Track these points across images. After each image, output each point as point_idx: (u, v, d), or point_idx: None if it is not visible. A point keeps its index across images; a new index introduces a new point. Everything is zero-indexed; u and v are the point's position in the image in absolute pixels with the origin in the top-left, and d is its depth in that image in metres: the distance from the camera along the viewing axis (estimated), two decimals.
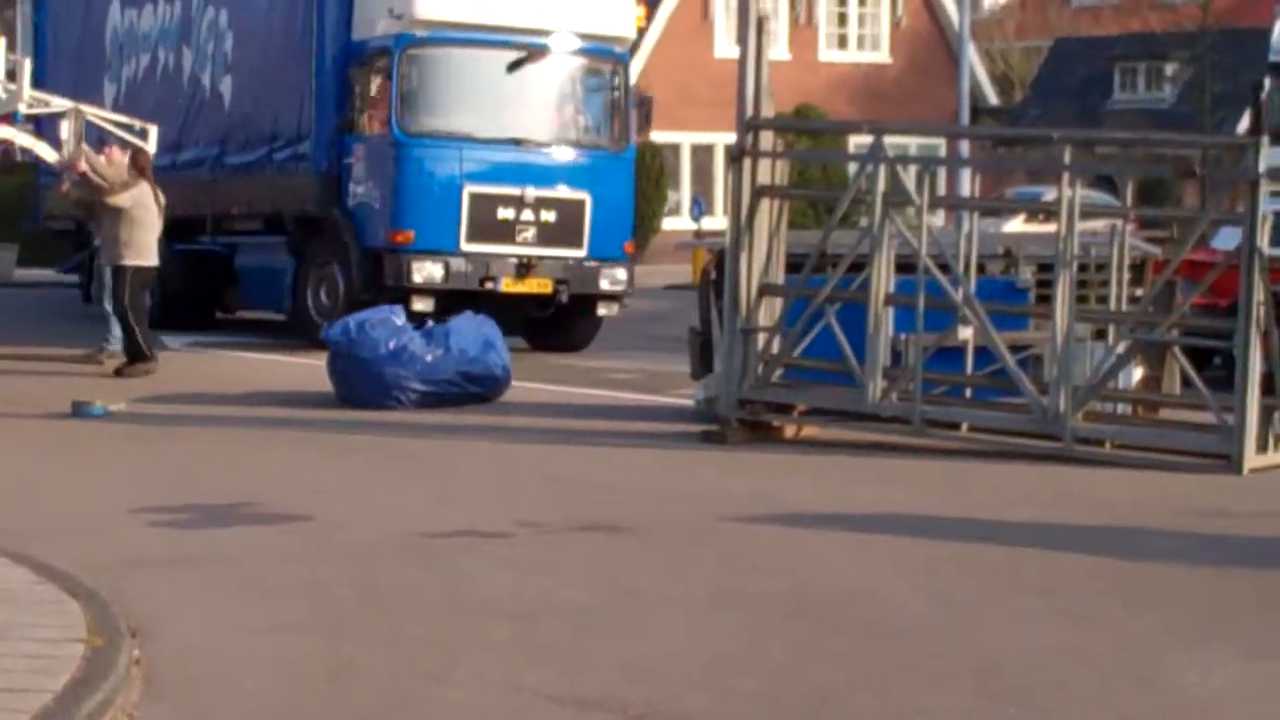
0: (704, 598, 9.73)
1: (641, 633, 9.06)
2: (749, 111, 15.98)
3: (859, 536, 11.74)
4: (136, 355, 21.07)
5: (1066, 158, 15.49)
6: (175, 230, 24.70)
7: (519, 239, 22.44)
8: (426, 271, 22.11)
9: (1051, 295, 15.47)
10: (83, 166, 22.10)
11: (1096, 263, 15.94)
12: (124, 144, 23.60)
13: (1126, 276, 15.82)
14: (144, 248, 21.43)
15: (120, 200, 21.08)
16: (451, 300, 22.07)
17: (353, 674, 8.17)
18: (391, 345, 17.70)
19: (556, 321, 23.95)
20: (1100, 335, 15.73)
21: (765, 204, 16.09)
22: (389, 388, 17.71)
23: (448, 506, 12.42)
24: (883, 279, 15.64)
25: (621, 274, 23.67)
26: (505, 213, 22.30)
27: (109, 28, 28.22)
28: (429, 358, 17.57)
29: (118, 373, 20.92)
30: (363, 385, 17.85)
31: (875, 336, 15.68)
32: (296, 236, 24.24)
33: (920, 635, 9.01)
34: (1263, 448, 14.54)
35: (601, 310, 23.86)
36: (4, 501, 12.32)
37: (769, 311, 16.36)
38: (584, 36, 23.16)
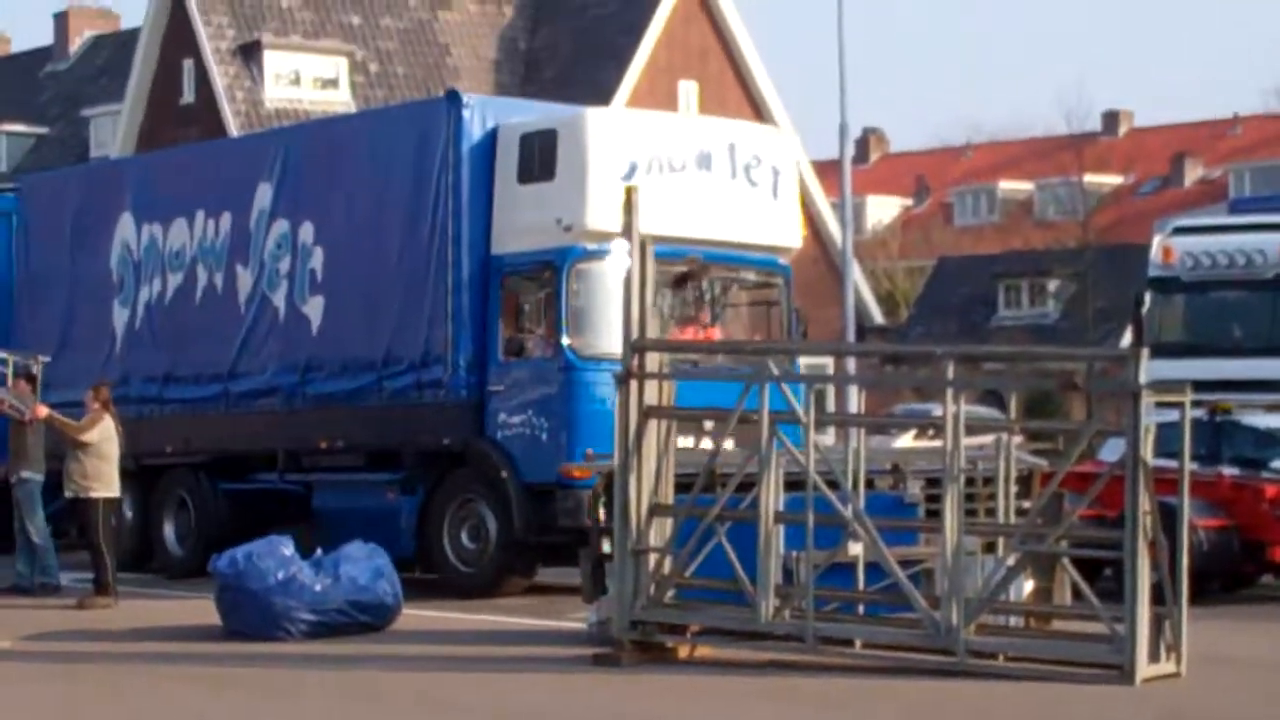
0: None
1: None
2: (634, 333, 15.94)
3: None
4: (103, 588, 21.28)
5: (950, 373, 15.54)
6: (225, 468, 24.42)
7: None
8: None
9: (940, 510, 15.49)
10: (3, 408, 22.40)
11: (984, 476, 16.05)
12: (22, 372, 24.06)
13: (1014, 490, 15.89)
14: (111, 480, 21.69)
15: (90, 435, 21.42)
16: None
17: None
18: (280, 575, 17.52)
19: None
20: (990, 548, 15.81)
21: (653, 424, 15.91)
22: (277, 618, 17.56)
23: None
24: (772, 497, 15.61)
25: None
26: (685, 440, 19.34)
27: (117, 247, 26.45)
28: (318, 587, 17.53)
29: (80, 605, 21.05)
30: (251, 616, 17.71)
31: (766, 554, 15.73)
32: (418, 473, 22.27)
33: None
34: (1155, 657, 14.69)
35: None
36: None
37: (660, 531, 16.30)
38: (766, 249, 22.40)
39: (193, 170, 25.99)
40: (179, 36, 54.36)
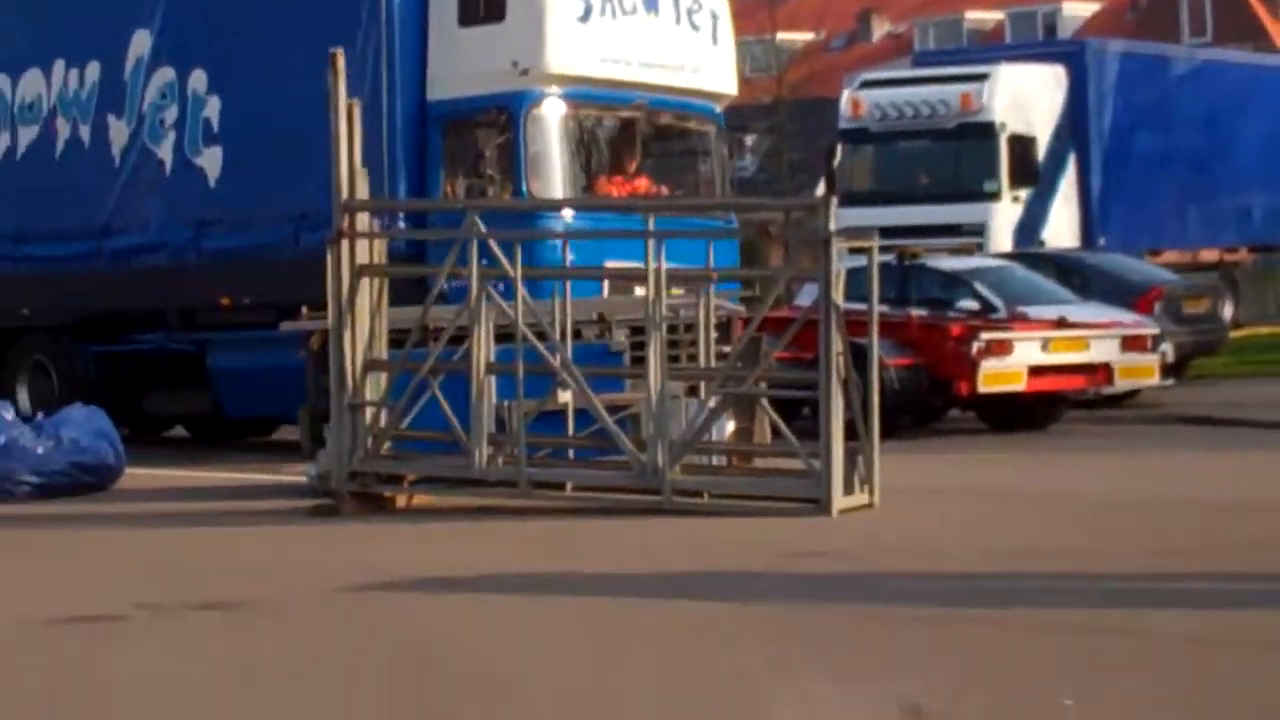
0: (313, 666, 9.60)
1: (257, 706, 8.88)
2: (344, 194, 15.85)
3: (469, 597, 11.70)
4: None
5: (651, 225, 15.61)
6: (95, 330, 23.63)
7: None
8: None
9: (644, 356, 15.54)
10: None
11: (686, 324, 16.09)
12: None
13: (714, 336, 15.99)
14: None
15: None
16: None
17: None
18: (0, 440, 17.07)
19: None
20: (692, 391, 15.90)
21: (365, 283, 15.98)
22: (2, 482, 17.17)
23: (63, 594, 12.03)
24: (483, 349, 15.70)
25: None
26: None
27: None
28: (40, 450, 17.34)
29: None
30: None
31: (479, 405, 15.76)
32: None
33: (528, 684, 9.01)
34: (849, 490, 14.94)
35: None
36: None
37: (375, 387, 16.32)
38: (703, 95, 21.87)
39: (46, 16, 24.41)
40: None
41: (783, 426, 15.91)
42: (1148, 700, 8.35)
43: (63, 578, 13.04)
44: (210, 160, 21.60)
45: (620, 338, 16.75)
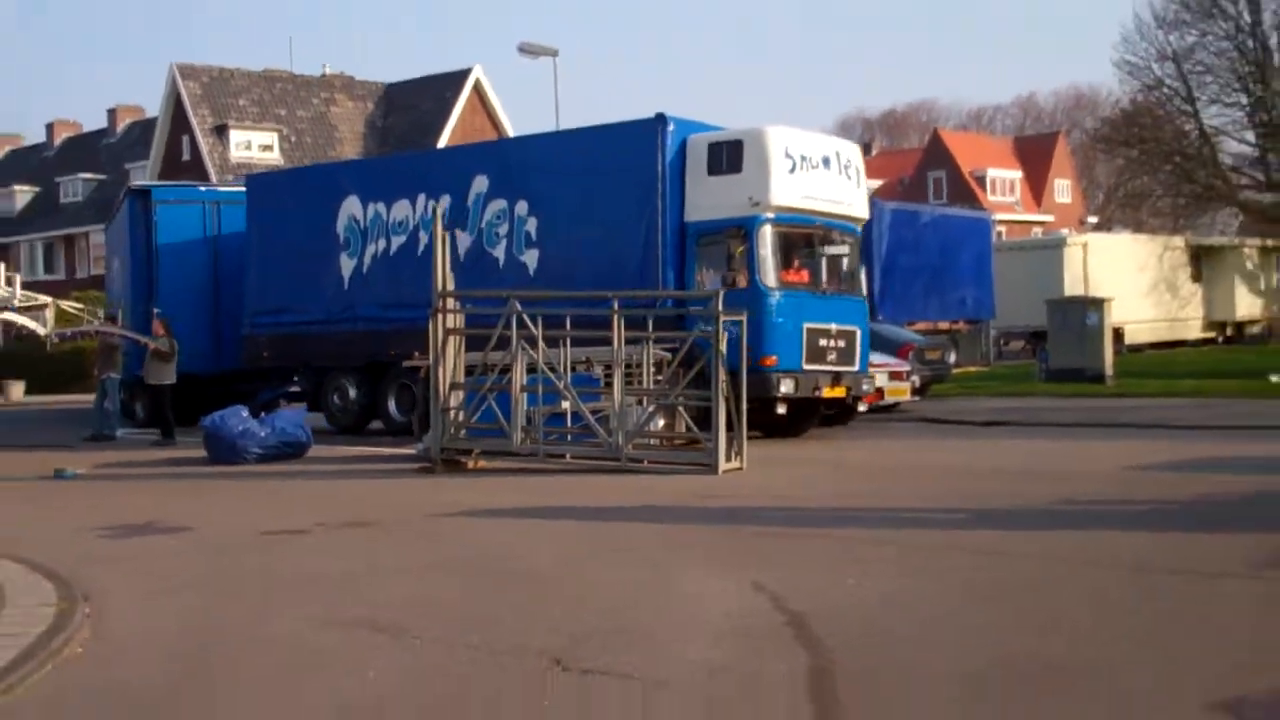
0: (423, 565, 9.60)
1: (383, 581, 9.01)
2: (439, 286, 16.06)
3: (514, 522, 11.94)
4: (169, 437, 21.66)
5: (616, 305, 15.78)
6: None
7: (829, 360, 19.23)
8: (787, 385, 18.69)
9: (612, 381, 15.74)
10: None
11: (637, 362, 16.19)
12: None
13: (653, 369, 16.09)
14: (171, 374, 22.14)
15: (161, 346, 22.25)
16: (801, 406, 19.51)
17: (216, 614, 8.05)
18: (240, 428, 17.72)
19: (792, 418, 19.84)
20: (640, 402, 15.98)
21: (452, 339, 16.09)
22: (239, 451, 17.65)
23: (273, 517, 12.23)
24: (518, 378, 15.86)
25: (868, 383, 20.66)
26: (824, 342, 19.11)
27: (343, 218, 22.85)
28: (262, 433, 17.87)
29: (154, 445, 21.18)
30: (223, 451, 17.78)
31: (516, 410, 16.16)
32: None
33: (541, 575, 9.11)
34: (730, 459, 15.23)
35: (862, 407, 21.23)
36: (4, 525, 12.08)
37: (456, 398, 16.59)
38: (852, 219, 20.20)
39: (413, 168, 23.43)
40: (179, 122, 53.13)
41: (691, 422, 16.29)
42: (905, 580, 8.55)
43: (272, 508, 13.43)
44: (530, 258, 20.43)
45: (598, 371, 16.82)
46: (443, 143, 52.81)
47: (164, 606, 8.30)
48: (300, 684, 6.37)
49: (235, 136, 54.11)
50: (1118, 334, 39.60)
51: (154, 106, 59.01)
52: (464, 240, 21.21)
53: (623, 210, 19.58)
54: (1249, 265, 49.21)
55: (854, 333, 19.76)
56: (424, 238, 21.58)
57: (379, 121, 58.16)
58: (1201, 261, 47.85)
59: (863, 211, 20.61)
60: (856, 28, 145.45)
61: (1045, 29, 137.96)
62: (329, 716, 5.79)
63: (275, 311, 23.87)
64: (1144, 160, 49.38)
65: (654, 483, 14.45)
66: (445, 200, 21.27)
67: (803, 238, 19.69)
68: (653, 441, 16.68)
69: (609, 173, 19.84)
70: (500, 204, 21.04)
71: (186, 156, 54.81)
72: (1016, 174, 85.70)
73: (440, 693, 6.11)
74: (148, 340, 22.64)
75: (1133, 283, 43.16)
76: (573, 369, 16.63)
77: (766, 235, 18.69)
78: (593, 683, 6.14)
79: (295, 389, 24.28)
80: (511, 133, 53.87)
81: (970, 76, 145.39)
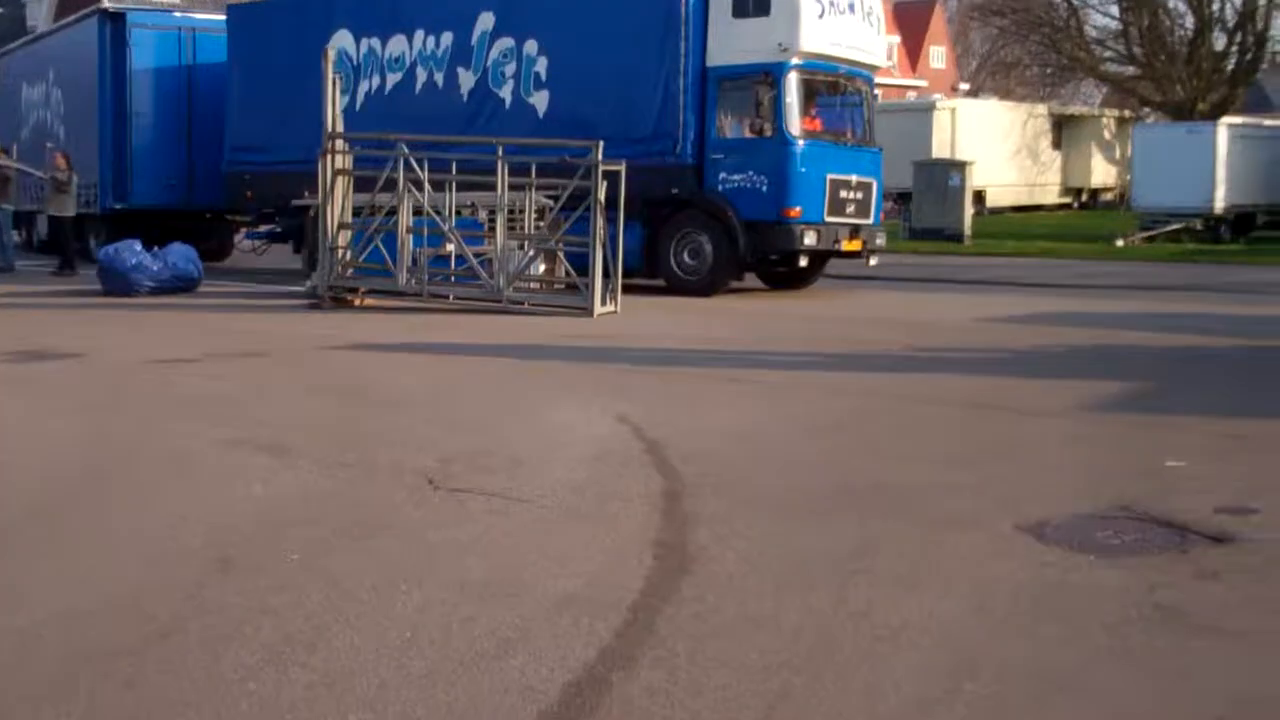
0: (304, 391, 9.80)
1: (268, 405, 9.24)
2: (329, 127, 15.93)
3: (392, 355, 12.22)
4: (69, 266, 21.54)
5: (501, 152, 15.89)
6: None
7: (848, 212, 18.33)
8: (810, 237, 17.78)
9: (495, 226, 15.94)
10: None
11: (520, 208, 16.27)
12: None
13: (535, 215, 16.19)
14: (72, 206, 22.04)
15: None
16: (811, 258, 18.70)
17: (106, 431, 8.26)
18: (133, 261, 17.52)
19: (793, 271, 19.09)
20: (522, 246, 16.09)
21: (340, 179, 15.99)
22: (132, 285, 17.60)
23: (165, 346, 12.31)
24: (405, 219, 15.91)
25: (882, 237, 19.69)
26: (845, 193, 18.21)
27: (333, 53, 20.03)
28: (155, 267, 17.76)
29: (54, 274, 21.13)
30: (117, 283, 17.72)
31: (402, 250, 16.33)
32: (641, 213, 18.11)
33: (418, 403, 9.40)
34: (605, 303, 15.59)
35: (873, 260, 19.51)
36: None
37: (344, 238, 16.50)
38: (872, 68, 19.34)
39: (411, 2, 21.03)
40: None
41: (570, 268, 16.41)
42: (756, 414, 8.93)
43: (163, 338, 13.46)
44: (540, 100, 19.26)
45: (483, 215, 16.87)
46: None
47: (54, 428, 8.36)
48: (185, 497, 6.50)
49: None
50: (980, 197, 40.26)
51: None
52: (467, 80, 20.12)
53: (641, 52, 18.50)
54: (1106, 135, 50.07)
55: (871, 185, 18.96)
56: (422, 75, 20.66)
57: None
58: (1062, 129, 48.61)
59: (882, 59, 19.81)
60: None
61: None
62: (217, 528, 5.93)
63: (258, 149, 22.42)
64: (1014, 30, 49.83)
65: (531, 323, 14.66)
66: (448, 37, 20.21)
67: (826, 85, 18.81)
68: (534, 285, 16.82)
69: (628, 12, 18.69)
70: (507, 42, 19.77)
71: None
72: (894, 39, 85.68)
73: (321, 507, 6.34)
74: (44, 174, 22.24)
75: (998, 148, 43.72)
76: (458, 213, 16.69)
77: (793, 82, 17.76)
78: (461, 499, 6.44)
79: (279, 229, 22.63)
80: None
81: None
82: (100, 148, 23.79)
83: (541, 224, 16.56)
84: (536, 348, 12.33)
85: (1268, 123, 38.99)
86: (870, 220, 18.99)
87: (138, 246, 17.96)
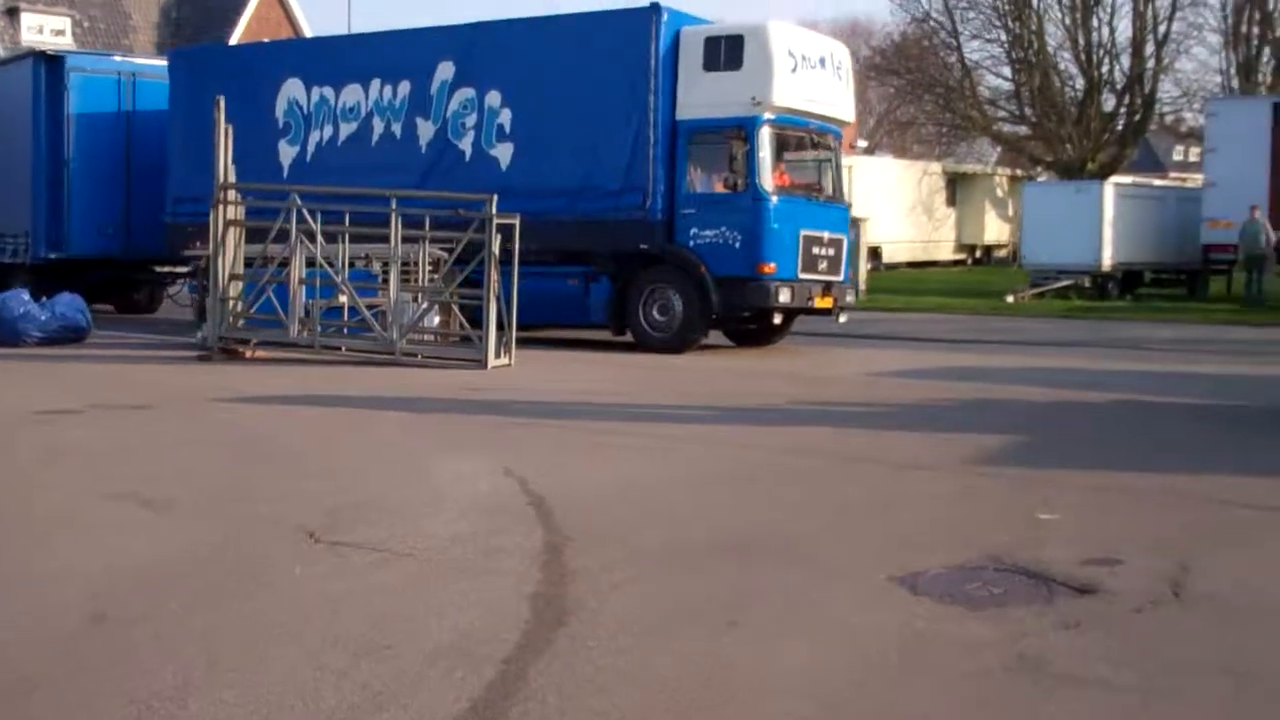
0: (190, 437, 9.84)
1: (152, 458, 9.13)
2: (220, 178, 15.83)
3: (280, 406, 12.21)
4: None
5: (393, 205, 16.03)
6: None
7: (820, 269, 17.96)
8: (784, 294, 17.45)
9: (389, 277, 16.09)
10: None
11: (415, 260, 16.29)
12: None
13: (429, 267, 16.24)
14: None
15: None
16: (786, 316, 18.50)
17: None
18: (20, 311, 17.40)
19: (761, 328, 19.01)
20: (416, 298, 16.08)
21: (232, 230, 15.92)
22: (19, 334, 17.38)
23: (48, 398, 12.20)
24: (297, 270, 15.98)
25: (851, 294, 19.55)
26: (817, 249, 17.87)
27: (282, 102, 20.79)
28: (43, 317, 17.59)
29: None
30: (3, 332, 17.50)
31: (294, 301, 16.44)
32: (606, 268, 18.10)
33: (304, 456, 9.37)
34: (499, 355, 15.56)
35: (843, 318, 19.04)
36: None
37: (236, 289, 16.44)
38: (841, 123, 19.09)
39: (366, 51, 20.55)
40: None
41: (464, 320, 16.35)
42: (641, 467, 8.97)
43: (48, 389, 13.36)
44: (503, 152, 18.77)
45: (376, 267, 16.87)
46: (236, 38, 51.51)
47: None
48: (63, 551, 6.43)
49: (27, 20, 51.71)
50: (876, 252, 40.89)
51: None
52: (425, 130, 19.66)
53: (610, 105, 18.15)
54: (999, 193, 51.14)
55: (841, 241, 18.78)
56: (378, 125, 20.16)
57: (174, 12, 56.25)
58: (957, 187, 49.58)
59: (850, 115, 19.54)
60: None
61: None
62: (93, 581, 5.86)
63: (203, 200, 20.97)
64: (909, 89, 50.85)
65: (423, 375, 14.68)
66: (405, 86, 19.78)
67: (796, 140, 18.55)
68: (427, 337, 16.77)
69: (595, 64, 18.32)
70: (467, 93, 19.31)
71: None
72: None
73: (201, 562, 6.30)
74: None
75: (894, 205, 44.50)
76: (352, 265, 16.62)
77: (766, 137, 17.51)
78: (343, 552, 6.44)
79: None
80: (307, 30, 52.87)
81: (755, 3, 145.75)
82: (34, 195, 23.08)
83: (435, 276, 16.62)
84: (427, 400, 12.34)
85: (1156, 182, 40.09)
86: (841, 277, 18.76)
87: (25, 296, 17.73)
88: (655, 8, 17.88)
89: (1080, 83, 47.15)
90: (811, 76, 18.16)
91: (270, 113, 21.11)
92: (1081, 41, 46.48)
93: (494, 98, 19.09)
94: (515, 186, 17.94)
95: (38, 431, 10.26)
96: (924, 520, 7.29)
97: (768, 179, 17.52)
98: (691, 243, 17.78)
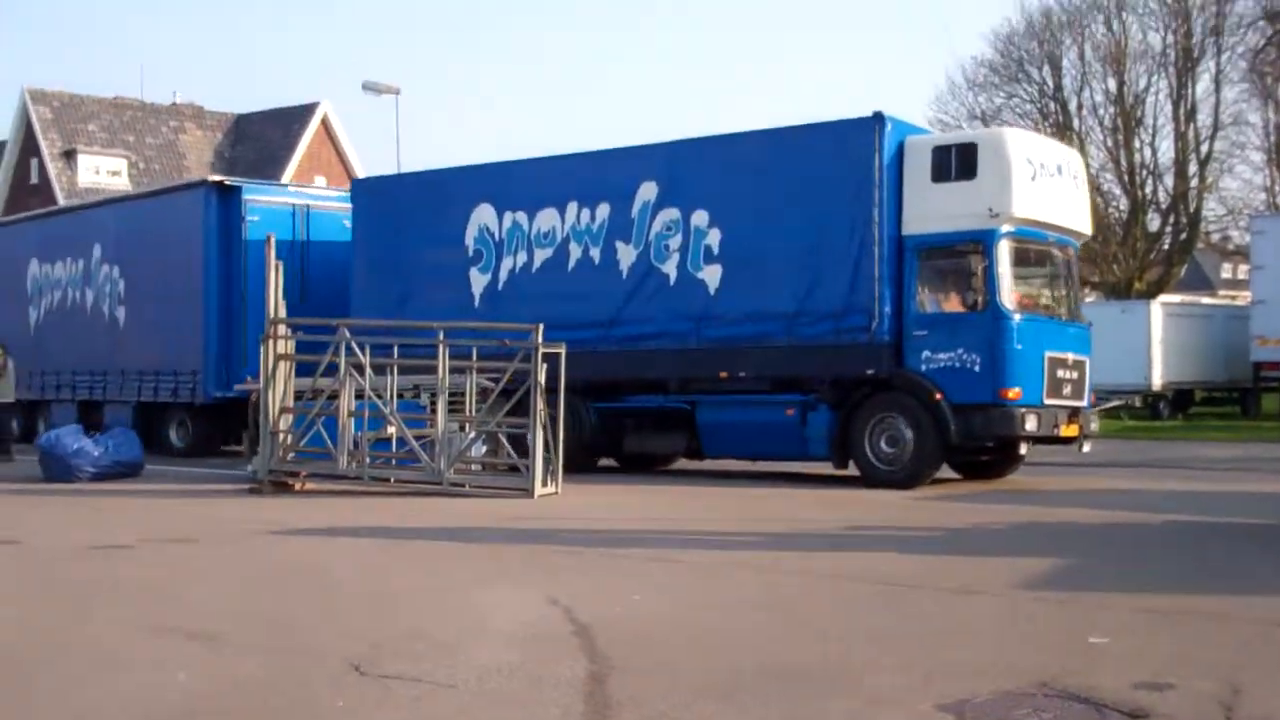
0: (238, 577, 9.78)
1: (201, 591, 9.08)
2: (271, 312, 16.26)
3: (329, 539, 12.15)
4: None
5: (444, 352, 16.08)
6: (599, 392, 18.94)
7: (1064, 393, 16.73)
8: (1031, 422, 16.21)
9: (437, 408, 16.26)
10: None
11: (462, 390, 16.47)
12: None
13: (477, 398, 16.42)
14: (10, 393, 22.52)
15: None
16: (1032, 444, 17.42)
17: (33, 620, 8.03)
18: (74, 447, 17.71)
19: (995, 459, 18.00)
20: (463, 428, 16.27)
21: (282, 364, 16.30)
22: (74, 470, 17.68)
23: (100, 533, 12.33)
24: (347, 403, 16.34)
25: (1095, 422, 18.29)
26: (1062, 372, 16.64)
27: (473, 229, 20.07)
28: (96, 452, 17.79)
29: None
30: (58, 469, 17.76)
31: (343, 434, 16.63)
32: (827, 395, 17.13)
33: (351, 587, 9.34)
34: (545, 485, 15.77)
35: (1086, 447, 17.62)
36: None
37: (286, 422, 16.83)
38: (1079, 235, 18.05)
39: (561, 173, 19.70)
40: (29, 146, 52.21)
41: (510, 449, 16.58)
42: (686, 594, 8.89)
43: (100, 524, 13.46)
44: (710, 275, 17.85)
45: (424, 399, 17.05)
46: (288, 176, 52.49)
47: None
48: (107, 686, 6.42)
49: (84, 162, 53.24)
50: None
51: (3, 129, 58.16)
52: (627, 254, 18.89)
53: (829, 221, 17.13)
54: None
55: (1085, 363, 17.48)
56: (575, 250, 19.41)
57: (227, 151, 57.55)
58: None
59: (1088, 226, 18.46)
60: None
61: (860, 84, 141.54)
62: (137, 716, 5.90)
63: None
64: None
65: (471, 505, 14.78)
66: (604, 209, 19.05)
67: (1033, 254, 17.43)
68: (475, 467, 16.94)
69: (812, 179, 17.33)
70: (672, 213, 18.48)
71: (35, 180, 53.75)
72: None
73: (245, 695, 6.31)
74: None
75: None
76: (401, 396, 16.86)
77: (1005, 251, 16.43)
78: (387, 685, 6.44)
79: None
80: (360, 169, 53.79)
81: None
82: (205, 331, 22.31)
83: (483, 406, 16.76)
84: (474, 530, 12.36)
85: (1205, 300, 39.93)
86: (1084, 403, 17.46)
87: (79, 432, 18.05)
88: (879, 117, 16.92)
89: (1124, 203, 47.36)
90: (1050, 185, 17.18)
91: (459, 240, 20.47)
92: (1124, 163, 46.75)
93: (700, 217, 18.31)
94: (724, 310, 17.59)
95: (89, 565, 10.33)
96: (972, 646, 7.16)
97: (1008, 296, 16.47)
98: (924, 366, 16.65)
